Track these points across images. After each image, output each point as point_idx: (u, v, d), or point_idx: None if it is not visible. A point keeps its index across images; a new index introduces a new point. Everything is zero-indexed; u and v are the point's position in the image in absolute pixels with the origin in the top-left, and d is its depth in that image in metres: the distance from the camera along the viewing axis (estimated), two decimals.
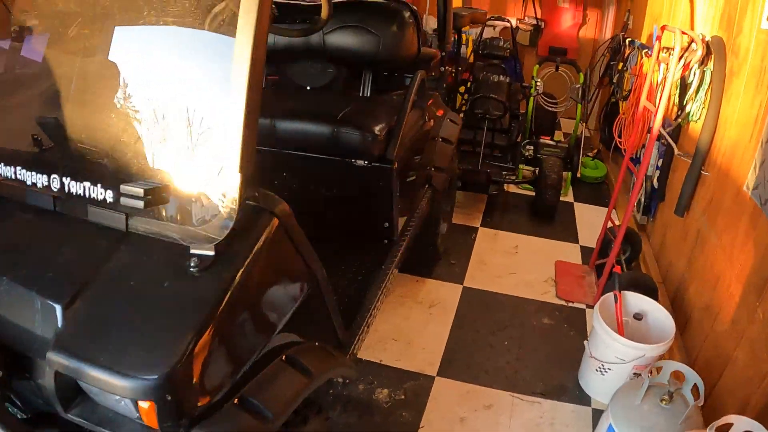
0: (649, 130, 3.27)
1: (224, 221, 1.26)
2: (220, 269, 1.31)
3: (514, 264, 3.60)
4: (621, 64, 4.57)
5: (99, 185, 1.45)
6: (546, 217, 4.20)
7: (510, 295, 3.29)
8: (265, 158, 2.73)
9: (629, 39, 4.60)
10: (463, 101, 5.15)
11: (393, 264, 2.41)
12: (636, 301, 2.59)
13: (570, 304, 3.20)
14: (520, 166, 4.58)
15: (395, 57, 2.86)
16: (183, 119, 1.33)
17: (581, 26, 6.45)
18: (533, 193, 4.29)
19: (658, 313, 2.54)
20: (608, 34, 6.09)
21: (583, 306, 3.20)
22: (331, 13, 2.19)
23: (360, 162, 2.37)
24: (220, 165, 1.24)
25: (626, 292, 2.59)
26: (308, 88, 3.11)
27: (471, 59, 5.45)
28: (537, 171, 4.27)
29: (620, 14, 5.74)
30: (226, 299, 1.27)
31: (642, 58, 3.77)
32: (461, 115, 4.66)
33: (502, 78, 4.98)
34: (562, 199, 4.39)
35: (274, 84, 3.33)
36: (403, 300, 3.23)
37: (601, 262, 3.35)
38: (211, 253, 1.30)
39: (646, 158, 2.96)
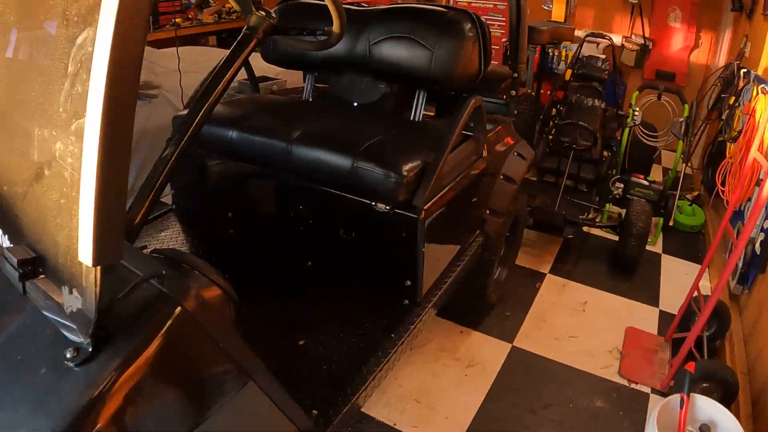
0: (758, 184, 2.73)
1: (86, 317, 0.98)
2: (99, 365, 1.04)
3: (578, 325, 3.12)
4: (732, 99, 3.91)
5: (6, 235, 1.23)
6: (626, 270, 3.65)
7: (564, 364, 2.82)
8: (278, 186, 2.46)
9: (744, 69, 3.94)
10: (554, 125, 4.68)
11: (407, 333, 2.04)
12: (706, 407, 2.08)
13: (632, 386, 2.69)
14: (606, 205, 4.06)
15: (450, 76, 2.49)
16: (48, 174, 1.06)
17: (693, 50, 5.68)
18: (616, 238, 3.76)
19: (729, 425, 2.04)
20: (722, 61, 5.31)
21: (648, 390, 2.68)
22: (344, 28, 1.88)
23: (380, 206, 2.04)
24: (66, 251, 0.95)
25: (696, 396, 2.08)
26: (354, 104, 2.80)
27: (567, 76, 4.94)
28: (623, 214, 3.73)
29: (736, 39, 4.96)
30: (97, 404, 1.01)
31: (757, 94, 3.18)
32: (549, 136, 4.23)
33: (596, 102, 4.45)
34: (648, 248, 3.82)
35: (319, 95, 3.05)
36: (439, 354, 2.85)
37: (679, 336, 2.83)
38: (88, 348, 1.02)
39: (752, 217, 2.40)
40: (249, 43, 1.78)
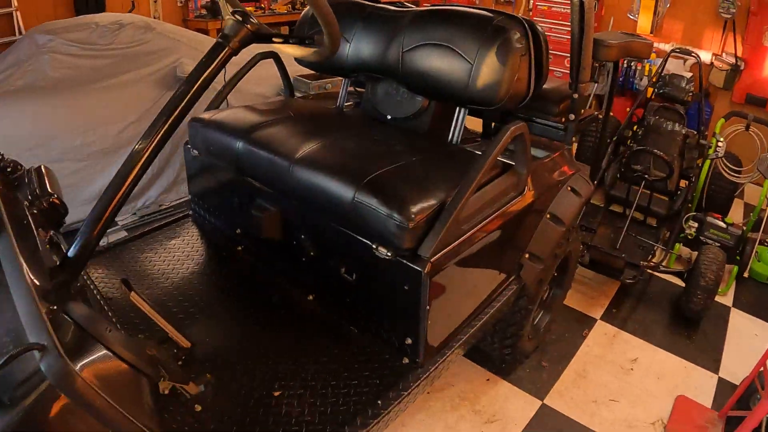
0: None
1: None
2: None
3: (623, 387, 2.73)
4: None
5: None
6: (688, 324, 3.21)
7: None
8: (282, 209, 2.16)
9: None
10: (627, 147, 4.25)
11: (398, 400, 1.76)
12: None
13: None
14: (676, 245, 3.63)
15: (491, 96, 2.15)
16: None
17: None
18: (682, 284, 3.32)
19: None
20: None
21: None
22: (336, 41, 1.60)
23: (382, 250, 1.76)
24: None
25: None
26: (388, 117, 2.53)
27: (649, 94, 4.49)
28: (693, 259, 3.28)
29: None
30: None
31: None
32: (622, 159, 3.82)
33: (677, 127, 4.00)
34: (718, 299, 3.37)
35: (356, 103, 2.80)
36: (459, 402, 2.56)
37: (735, 415, 2.43)
38: None
39: None
40: (220, 53, 1.53)
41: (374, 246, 1.76)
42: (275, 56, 2.83)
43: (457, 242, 1.82)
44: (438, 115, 2.44)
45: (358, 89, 2.96)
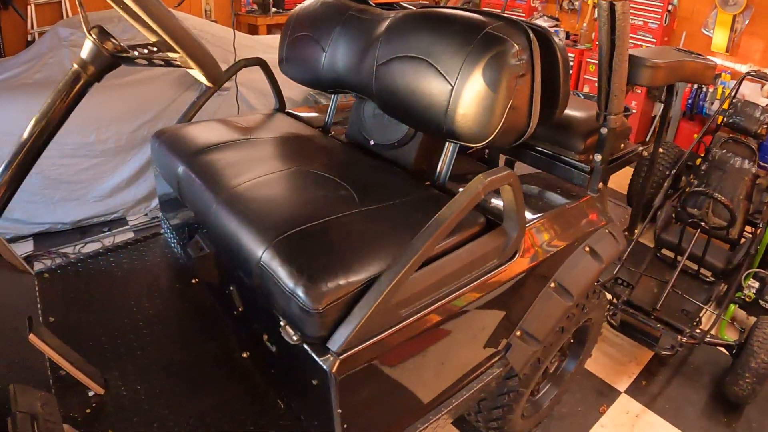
0: None
1: None
2: None
3: None
4: None
5: None
6: (729, 409, 2.69)
7: None
8: (215, 250, 1.91)
9: None
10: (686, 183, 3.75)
11: None
12: None
13: None
14: (731, 307, 3.12)
15: (476, 128, 1.70)
16: None
17: None
18: (729, 355, 2.82)
19: None
20: None
21: None
22: (214, 77, 1.31)
23: (289, 330, 1.41)
24: None
25: None
26: (371, 143, 2.19)
27: (718, 121, 3.95)
28: (747, 330, 2.78)
29: None
30: None
31: None
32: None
33: (746, 164, 3.47)
34: None
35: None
36: None
37: None
38: None
39: None
40: (76, 85, 1.30)
41: (282, 323, 1.44)
42: (262, 63, 2.55)
43: (388, 332, 1.43)
44: (427, 145, 2.06)
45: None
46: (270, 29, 6.15)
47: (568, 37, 5.98)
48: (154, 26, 1.15)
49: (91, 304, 2.12)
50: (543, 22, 6.00)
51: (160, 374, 1.82)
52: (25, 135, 1.36)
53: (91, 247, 3.56)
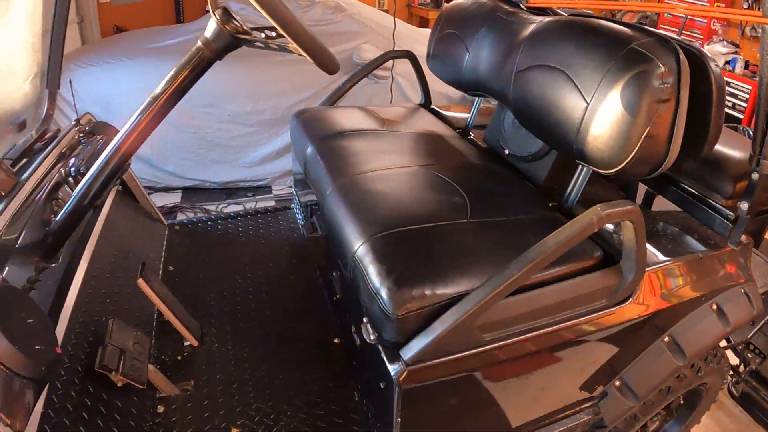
0: None
1: None
2: None
3: None
4: None
5: None
6: None
7: None
8: (320, 237, 1.99)
9: None
10: None
11: None
12: None
13: None
14: None
15: (607, 153, 1.55)
16: None
17: None
18: None
19: None
20: None
21: None
22: (330, 65, 1.30)
23: (369, 328, 1.40)
24: None
25: None
26: (506, 152, 2.11)
27: None
28: None
29: None
30: None
31: None
32: None
33: None
34: None
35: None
36: None
37: None
38: None
39: None
40: (194, 59, 1.35)
41: (364, 319, 1.42)
42: (411, 56, 2.53)
43: (465, 353, 1.36)
44: (561, 164, 1.92)
45: None
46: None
47: (747, 66, 5.32)
48: (263, 12, 1.17)
49: (209, 261, 2.25)
50: (722, 48, 5.45)
51: (253, 341, 1.89)
52: (158, 90, 1.44)
53: (233, 209, 3.78)
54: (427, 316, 1.33)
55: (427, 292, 1.32)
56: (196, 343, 1.82)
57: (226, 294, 2.07)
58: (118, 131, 2.07)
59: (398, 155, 1.96)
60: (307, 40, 1.25)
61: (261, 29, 1.36)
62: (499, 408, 1.57)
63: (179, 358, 1.79)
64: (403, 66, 3.79)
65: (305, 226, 2.00)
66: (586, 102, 1.58)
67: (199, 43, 1.37)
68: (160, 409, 1.61)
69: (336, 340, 1.89)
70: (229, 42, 1.35)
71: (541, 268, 1.34)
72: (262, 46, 1.35)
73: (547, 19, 1.93)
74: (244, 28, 1.34)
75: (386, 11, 5.76)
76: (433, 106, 2.68)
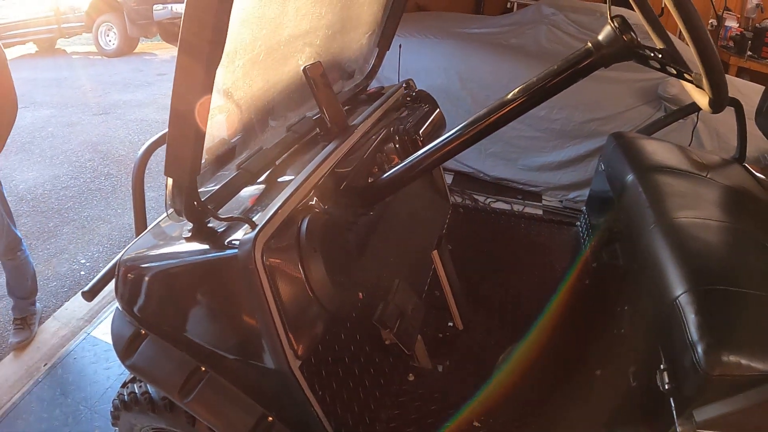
0: None
1: None
2: None
3: None
4: None
5: None
6: None
7: None
8: (612, 265, 1.96)
9: None
10: None
11: None
12: None
13: None
14: None
15: None
16: None
17: None
18: None
19: None
20: None
21: None
22: (718, 93, 1.23)
23: (664, 376, 1.37)
24: None
25: None
26: None
27: None
28: None
29: None
30: None
31: None
32: None
33: None
34: None
35: None
36: None
37: None
38: None
39: None
40: (582, 58, 1.35)
41: (662, 366, 1.40)
42: (737, 105, 2.37)
43: None
44: None
45: None
46: (739, 72, 5.53)
47: None
48: (689, 38, 1.13)
49: (486, 250, 2.33)
50: None
51: (514, 344, 1.94)
52: (509, 96, 1.50)
53: (500, 206, 3.89)
54: (735, 385, 1.28)
55: (745, 361, 1.26)
56: (460, 327, 1.90)
57: (497, 289, 2.15)
58: (436, 103, 2.22)
59: (720, 207, 1.87)
60: (718, 72, 1.21)
61: (654, 49, 1.33)
62: None
63: (441, 336, 1.89)
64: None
65: (605, 250, 1.97)
66: None
67: (590, 45, 1.37)
68: (411, 377, 1.73)
69: (597, 372, 1.88)
70: (623, 52, 1.33)
71: None
72: (657, 66, 1.32)
73: None
74: (640, 42, 1.32)
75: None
76: (745, 164, 2.50)
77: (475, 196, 3.98)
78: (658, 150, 2.15)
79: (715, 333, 1.29)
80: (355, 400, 1.57)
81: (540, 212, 3.86)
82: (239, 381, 1.32)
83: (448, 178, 4.10)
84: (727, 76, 4.90)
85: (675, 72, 1.30)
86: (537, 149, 3.99)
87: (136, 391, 1.48)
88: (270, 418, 1.33)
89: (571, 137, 3.89)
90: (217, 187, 1.35)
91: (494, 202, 3.96)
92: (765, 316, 1.40)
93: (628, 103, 3.74)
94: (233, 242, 1.18)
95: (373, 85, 2.38)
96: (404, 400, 1.71)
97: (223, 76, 1.30)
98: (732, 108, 2.42)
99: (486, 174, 4.16)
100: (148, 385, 1.47)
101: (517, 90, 1.49)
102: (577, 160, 3.93)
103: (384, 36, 2.21)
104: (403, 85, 2.30)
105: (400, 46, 3.07)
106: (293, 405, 1.29)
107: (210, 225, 1.27)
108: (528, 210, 3.87)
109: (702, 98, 1.31)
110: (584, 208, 2.59)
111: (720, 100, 1.25)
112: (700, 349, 1.27)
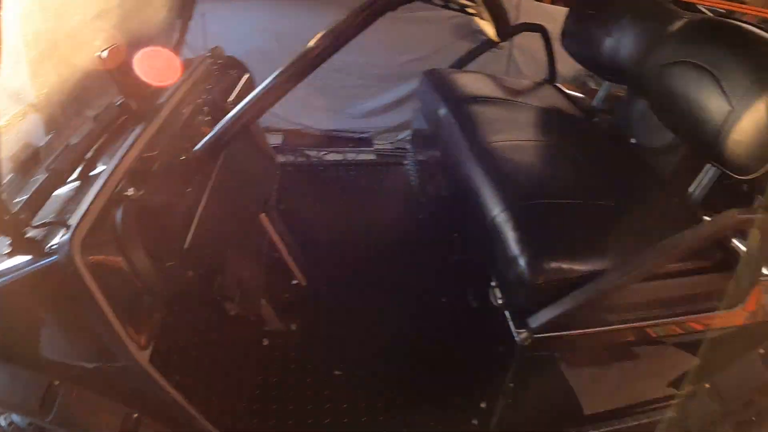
0: None
1: None
2: None
3: None
4: None
5: None
6: None
7: None
8: (443, 197, 2.06)
9: None
10: None
11: None
12: None
13: None
14: None
15: (744, 159, 1.53)
16: None
17: None
18: None
19: None
20: None
21: None
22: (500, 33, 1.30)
23: (496, 292, 1.49)
24: None
25: None
26: (632, 141, 2.11)
27: None
28: None
29: None
30: None
31: None
32: None
33: None
34: None
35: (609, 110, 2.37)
36: None
37: None
38: None
39: None
40: (371, 7, 1.36)
41: (493, 283, 1.48)
42: (543, 31, 2.51)
43: (586, 330, 1.42)
44: (688, 161, 1.90)
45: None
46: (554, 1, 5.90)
47: None
48: None
49: (319, 205, 2.33)
50: None
51: (361, 289, 1.98)
52: (311, 44, 1.48)
53: (333, 157, 3.86)
54: (559, 288, 1.38)
55: (564, 265, 1.38)
56: (304, 283, 1.92)
57: (335, 240, 2.17)
58: (247, 68, 2.15)
59: (532, 128, 1.99)
60: (495, 3, 1.26)
61: None
62: (591, 391, 1.63)
63: (287, 295, 1.90)
64: (522, 39, 3.74)
65: (429, 183, 2.06)
66: (730, 106, 1.55)
67: None
68: (265, 342, 1.73)
69: (443, 299, 1.96)
70: None
71: (674, 260, 1.39)
72: (441, 3, 1.35)
73: (699, 16, 1.91)
74: None
75: None
76: (556, 84, 2.67)
77: (307, 152, 3.92)
78: (470, 82, 2.23)
79: (534, 244, 1.38)
80: (215, 378, 1.56)
81: (373, 157, 3.89)
82: (96, 386, 1.27)
83: (278, 139, 4.00)
84: (542, 5, 5.19)
85: (458, 7, 1.34)
86: (363, 96, 4.00)
87: (3, 424, 1.38)
88: (135, 415, 1.30)
89: (394, 80, 3.93)
90: (28, 195, 1.25)
91: (326, 154, 3.92)
92: (580, 221, 1.52)
93: (445, 41, 3.83)
94: (53, 247, 1.12)
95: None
96: (265, 365, 1.72)
97: (7, 80, 1.20)
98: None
99: (316, 128, 4.10)
100: (12, 415, 1.38)
101: (310, 44, 1.49)
102: (402, 100, 3.97)
103: (185, 6, 2.09)
104: (208, 53, 2.19)
105: (203, 14, 2.88)
106: (153, 396, 1.27)
107: (29, 235, 1.18)
108: (361, 157, 3.88)
109: (490, 29, 1.34)
110: (409, 146, 2.67)
111: (502, 28, 1.30)
112: (522, 261, 1.35)
